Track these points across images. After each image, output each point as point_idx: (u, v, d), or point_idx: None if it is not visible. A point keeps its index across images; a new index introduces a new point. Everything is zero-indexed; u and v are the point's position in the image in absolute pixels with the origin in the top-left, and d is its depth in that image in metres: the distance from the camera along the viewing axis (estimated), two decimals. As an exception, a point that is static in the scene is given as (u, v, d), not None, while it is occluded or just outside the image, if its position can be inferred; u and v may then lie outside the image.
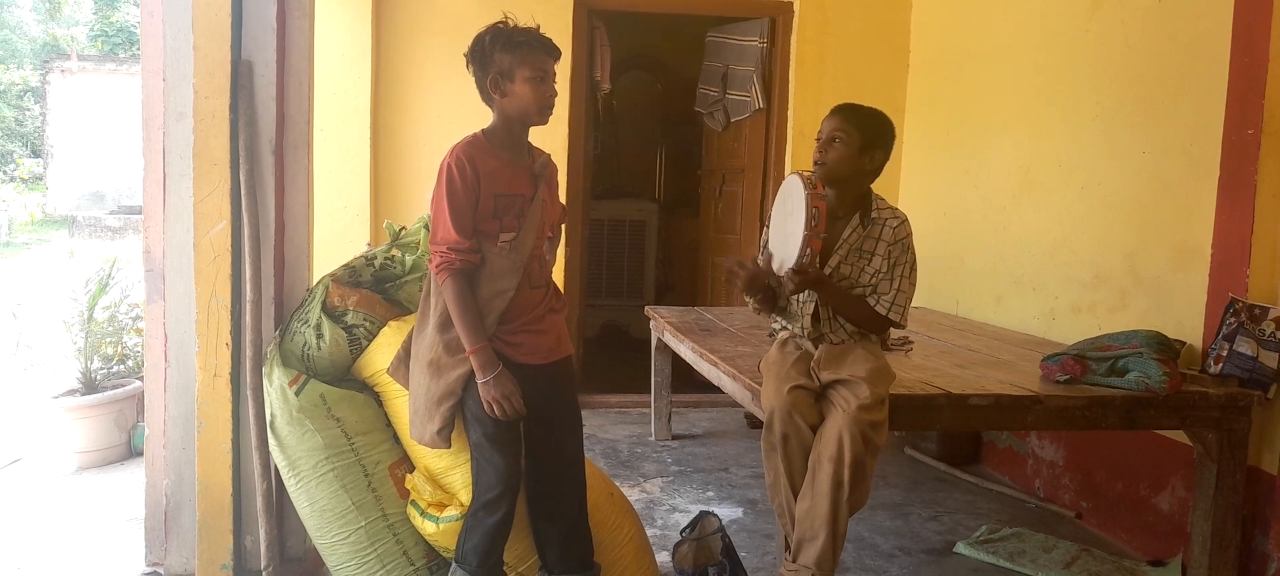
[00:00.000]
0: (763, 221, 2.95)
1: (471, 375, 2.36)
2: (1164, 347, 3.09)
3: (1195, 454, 2.99)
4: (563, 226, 2.70)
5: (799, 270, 2.57)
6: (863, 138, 2.71)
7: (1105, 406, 2.90)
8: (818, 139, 2.75)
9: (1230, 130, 3.10)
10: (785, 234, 2.66)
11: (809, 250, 2.52)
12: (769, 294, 2.82)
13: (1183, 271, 3.33)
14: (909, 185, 5.43)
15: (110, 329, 4.44)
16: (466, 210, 2.33)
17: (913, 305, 2.90)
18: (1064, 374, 3.03)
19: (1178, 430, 3.08)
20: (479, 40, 2.38)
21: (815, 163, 2.74)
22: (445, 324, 2.40)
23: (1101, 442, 3.70)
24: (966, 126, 4.89)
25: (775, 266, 2.72)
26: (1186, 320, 3.28)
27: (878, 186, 2.83)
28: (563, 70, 5.18)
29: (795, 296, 2.80)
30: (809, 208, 2.50)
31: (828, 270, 2.73)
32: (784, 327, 2.89)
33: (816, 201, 2.51)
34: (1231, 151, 3.09)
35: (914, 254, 2.78)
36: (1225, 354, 2.98)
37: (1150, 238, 3.51)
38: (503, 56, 2.35)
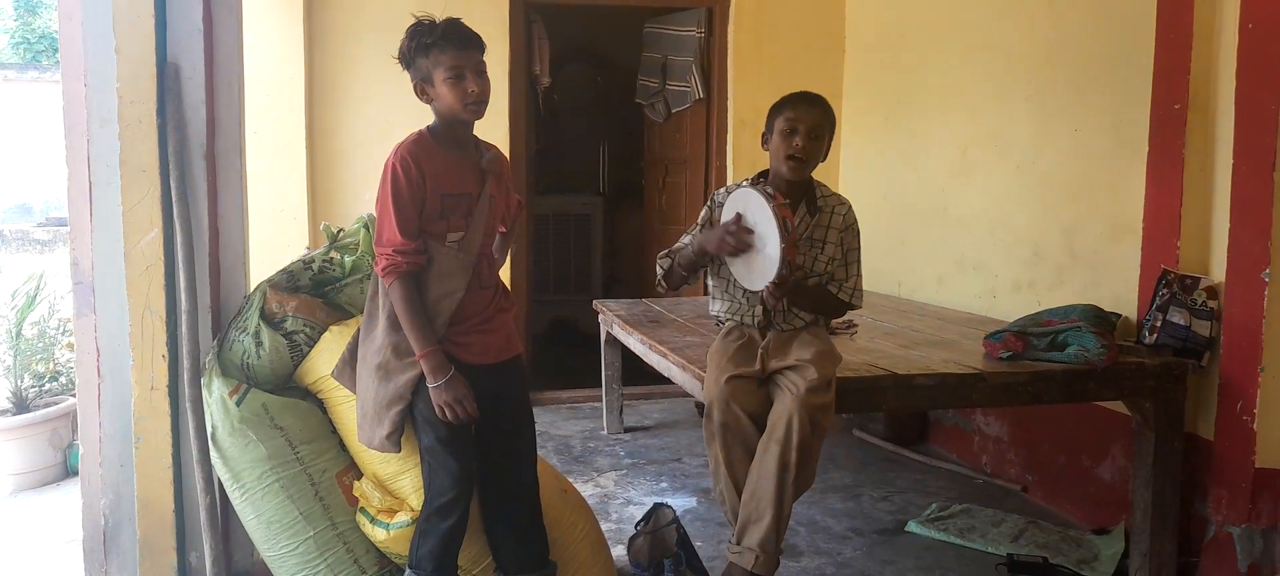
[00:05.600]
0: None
1: (421, 378, 2.32)
2: (1101, 320, 3.16)
3: (1134, 423, 3.05)
4: (518, 220, 2.64)
5: (779, 282, 2.55)
6: (831, 129, 2.74)
7: (1047, 381, 2.96)
8: (796, 127, 2.66)
9: (1157, 106, 3.17)
10: (749, 249, 2.62)
11: (788, 261, 2.49)
12: (692, 272, 2.82)
13: (1116, 245, 3.41)
14: (849, 169, 5.48)
15: (41, 345, 4.29)
16: (412, 211, 2.28)
17: (856, 287, 2.93)
18: (1006, 350, 3.07)
19: (1117, 401, 3.15)
20: (401, 47, 2.32)
21: (792, 156, 2.66)
22: (394, 325, 2.34)
23: (1044, 417, 3.78)
24: (904, 109, 4.95)
25: (748, 283, 2.68)
26: (1121, 293, 3.36)
27: (818, 171, 2.83)
28: (501, 65, 5.13)
29: (750, 290, 2.78)
30: (778, 219, 2.46)
31: None
32: (729, 316, 2.89)
33: (783, 211, 2.48)
34: (1159, 127, 3.16)
35: None
36: (1159, 325, 3.06)
37: (1085, 213, 3.58)
38: (421, 61, 2.28)
